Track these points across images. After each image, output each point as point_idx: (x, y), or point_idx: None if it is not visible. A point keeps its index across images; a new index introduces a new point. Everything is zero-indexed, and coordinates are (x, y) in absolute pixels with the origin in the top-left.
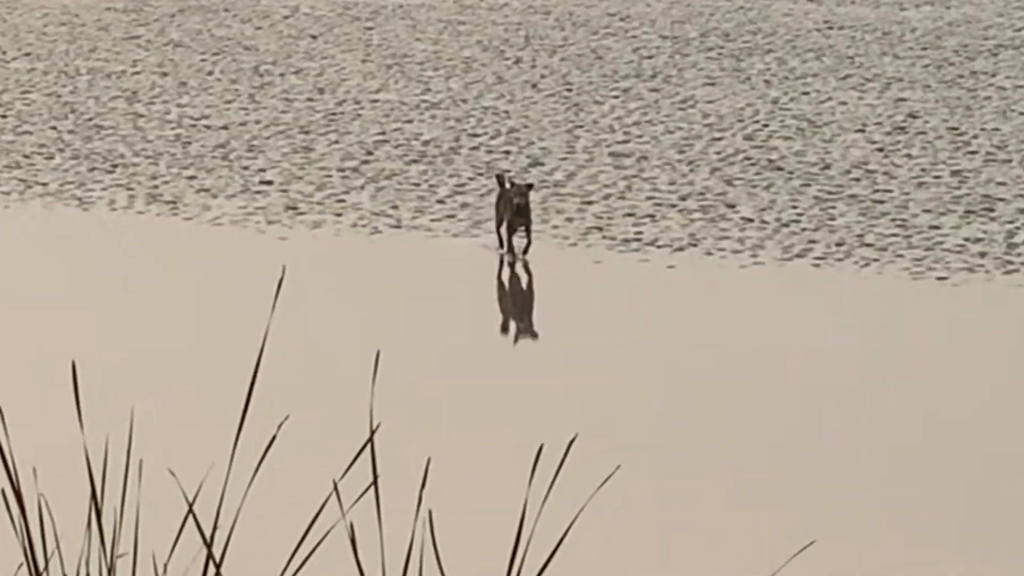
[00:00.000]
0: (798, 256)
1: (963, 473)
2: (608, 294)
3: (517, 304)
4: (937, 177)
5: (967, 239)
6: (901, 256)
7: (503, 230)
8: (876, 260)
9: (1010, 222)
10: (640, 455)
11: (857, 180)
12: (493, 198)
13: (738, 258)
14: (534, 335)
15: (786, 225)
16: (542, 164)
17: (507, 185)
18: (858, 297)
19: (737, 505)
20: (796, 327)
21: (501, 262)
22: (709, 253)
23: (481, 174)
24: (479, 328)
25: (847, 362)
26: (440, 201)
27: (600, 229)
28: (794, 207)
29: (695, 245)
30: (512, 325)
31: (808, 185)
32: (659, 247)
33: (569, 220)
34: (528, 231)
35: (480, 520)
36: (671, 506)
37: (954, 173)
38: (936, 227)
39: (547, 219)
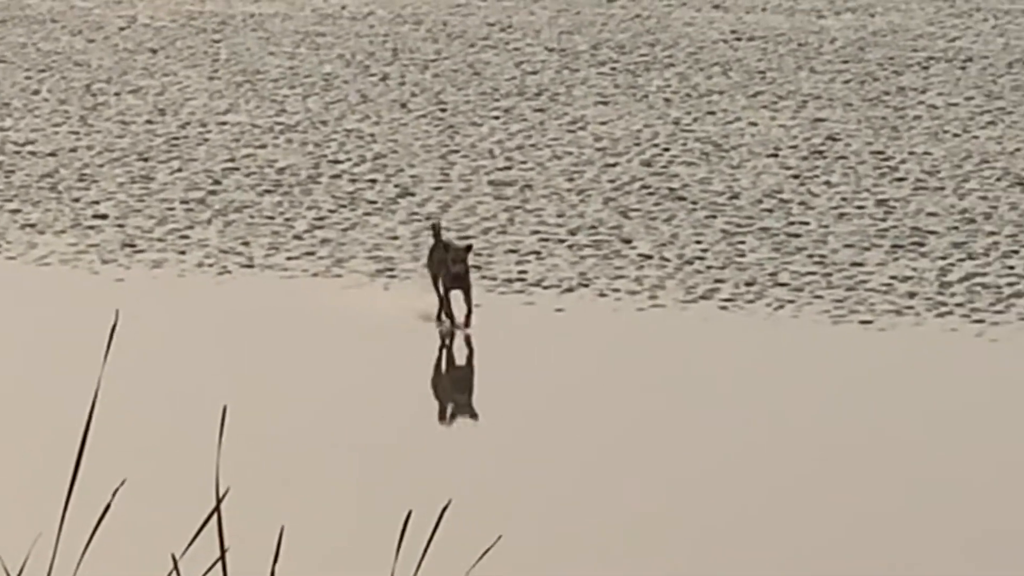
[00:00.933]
0: (703, 298)
1: (891, 536)
2: (486, 341)
3: (386, 354)
4: (860, 207)
5: (894, 277)
6: (820, 297)
7: (441, 290)
8: (792, 302)
9: (942, 258)
10: (524, 523)
11: (770, 211)
12: (423, 250)
13: (635, 300)
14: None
15: (689, 262)
16: (412, 194)
17: (442, 239)
18: (771, 343)
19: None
20: (700, 377)
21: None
22: (602, 294)
23: (344, 206)
24: (340, 380)
25: (757, 415)
26: (297, 237)
27: (479, 268)
28: (698, 242)
29: (586, 285)
30: (379, 376)
31: (714, 217)
32: (546, 288)
33: None
34: (468, 299)
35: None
36: None
37: (879, 203)
38: (859, 264)
39: (418, 256)
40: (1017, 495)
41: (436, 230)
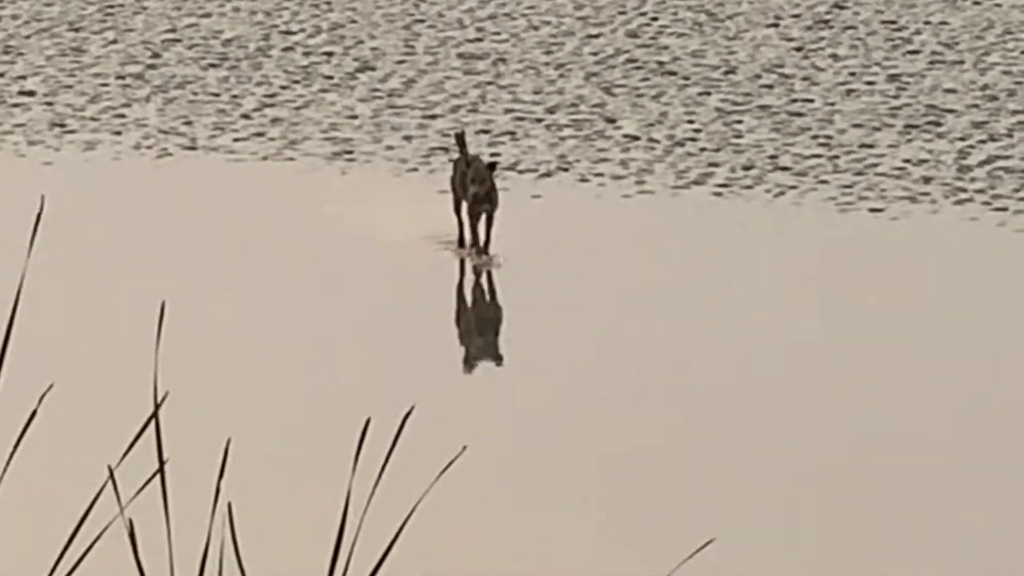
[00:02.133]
0: (695, 183)
1: (890, 444)
2: (455, 231)
3: (341, 247)
4: (870, 83)
5: (908, 160)
6: (825, 183)
7: (463, 215)
8: (794, 187)
9: (961, 139)
10: (490, 434)
11: (769, 87)
12: (385, 131)
13: (620, 185)
14: (371, 263)
15: (680, 144)
16: (373, 69)
17: (467, 151)
18: (772, 233)
19: (607, 493)
20: (694, 271)
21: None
22: (584, 179)
23: (297, 81)
24: (295, 276)
25: (757, 313)
26: (246, 116)
27: (446, 150)
28: (690, 122)
29: (566, 169)
30: (330, 255)
31: (708, 94)
32: (521, 172)
33: (408, 139)
34: (490, 218)
35: (294, 513)
36: (525, 494)
37: (891, 78)
38: (869, 146)
39: (380, 137)
40: None
41: (460, 140)
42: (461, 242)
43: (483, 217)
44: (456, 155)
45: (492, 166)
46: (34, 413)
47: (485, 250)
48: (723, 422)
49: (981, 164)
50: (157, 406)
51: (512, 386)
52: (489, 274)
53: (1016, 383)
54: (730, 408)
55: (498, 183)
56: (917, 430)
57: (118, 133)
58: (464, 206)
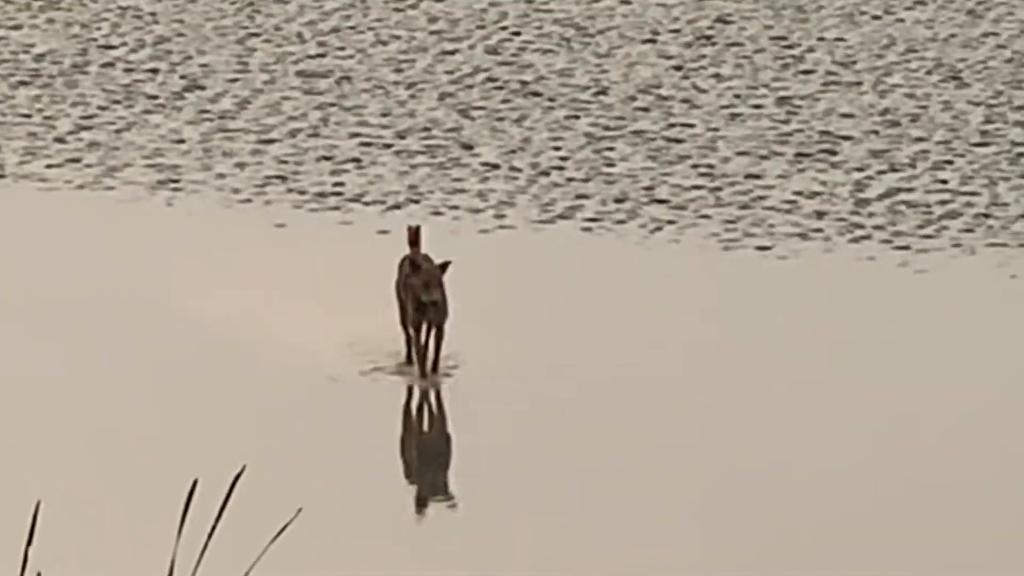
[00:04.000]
0: (562, 217)
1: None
2: (293, 269)
3: (165, 276)
4: (757, 107)
5: (799, 193)
6: (707, 217)
7: (409, 328)
8: (672, 222)
9: (859, 169)
10: (326, 496)
11: (645, 111)
12: (215, 157)
13: (478, 219)
14: (196, 317)
15: (546, 174)
16: (202, 88)
17: (417, 253)
18: (646, 273)
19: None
20: (558, 313)
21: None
22: (437, 212)
23: (117, 102)
24: (109, 320)
25: (629, 360)
26: (60, 140)
27: (284, 179)
28: (556, 148)
29: (417, 201)
30: (159, 301)
31: (576, 117)
32: (367, 204)
33: (240, 166)
34: (440, 331)
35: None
36: (353, 553)
37: (781, 101)
38: (755, 176)
39: (209, 164)
40: (949, 445)
41: (414, 237)
42: (409, 358)
43: (427, 328)
44: (403, 254)
45: (444, 266)
46: None
47: (433, 369)
48: (604, 465)
49: (880, 197)
50: None
51: (341, 439)
52: (428, 393)
53: (915, 441)
54: (607, 451)
55: (339, 216)
56: (801, 467)
57: None
58: (408, 319)
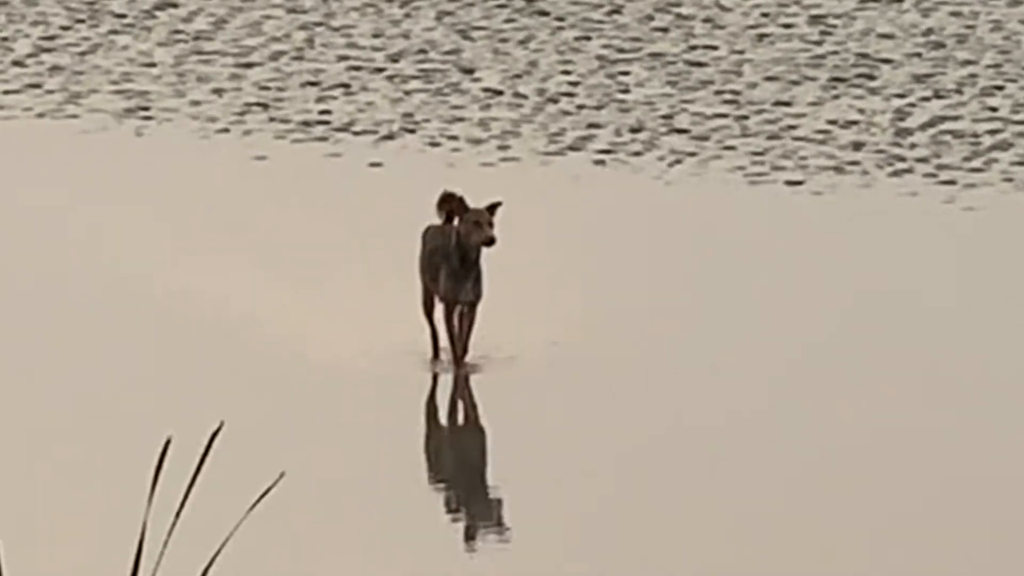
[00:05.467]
0: (572, 149)
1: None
2: (275, 206)
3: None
4: (787, 27)
5: (833, 122)
6: (732, 148)
7: (439, 305)
8: (693, 154)
9: (899, 95)
10: (303, 457)
11: (663, 31)
12: (189, 82)
13: (479, 151)
14: (168, 260)
15: (554, 100)
16: (175, 5)
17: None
18: (665, 209)
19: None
20: (568, 254)
21: None
22: (434, 143)
23: (81, 21)
24: (87, 248)
25: (647, 305)
26: (18, 63)
27: (265, 106)
28: (566, 73)
29: (412, 131)
30: (128, 242)
31: (587, 38)
32: (357, 134)
33: (217, 92)
34: (473, 312)
35: (79, 542)
36: (339, 513)
37: (813, 20)
38: (785, 104)
39: (183, 91)
40: (991, 393)
41: (460, 205)
42: (436, 353)
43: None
44: (430, 223)
45: (493, 207)
46: None
47: (462, 358)
48: (608, 409)
49: (924, 127)
50: None
51: (323, 404)
52: (460, 380)
53: (958, 400)
54: (618, 396)
55: (327, 148)
56: (845, 423)
57: None
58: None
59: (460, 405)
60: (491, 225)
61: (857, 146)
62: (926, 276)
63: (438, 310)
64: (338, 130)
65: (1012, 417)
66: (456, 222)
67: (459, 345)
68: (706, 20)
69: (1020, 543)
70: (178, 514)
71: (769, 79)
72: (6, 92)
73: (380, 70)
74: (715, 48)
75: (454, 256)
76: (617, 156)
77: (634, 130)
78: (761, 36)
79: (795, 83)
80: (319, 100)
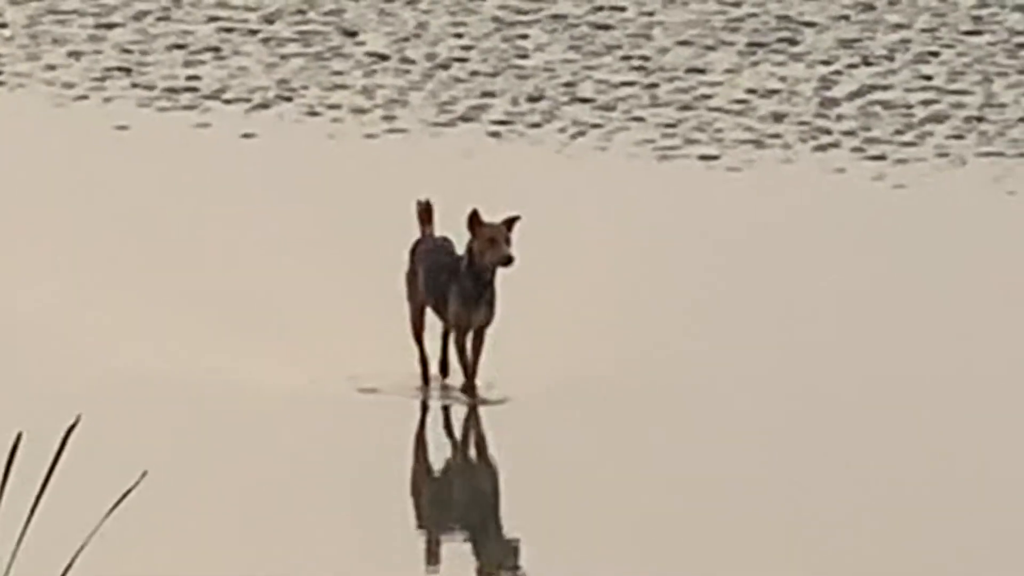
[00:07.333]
0: (464, 119)
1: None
2: (137, 180)
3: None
4: None
5: (752, 91)
6: (640, 120)
7: (450, 337)
8: (597, 126)
9: (824, 62)
10: (166, 459)
11: None
12: (44, 45)
13: (363, 121)
14: (21, 236)
15: (444, 67)
16: None
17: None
18: (567, 185)
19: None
20: (459, 234)
21: None
22: (313, 112)
23: None
24: None
25: (544, 287)
26: None
27: (127, 71)
28: (458, 36)
29: (288, 99)
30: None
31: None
32: (228, 102)
33: (75, 56)
34: (481, 335)
35: None
36: (202, 517)
37: None
38: (699, 70)
39: (37, 54)
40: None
41: (426, 212)
42: (426, 378)
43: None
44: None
45: (511, 221)
46: None
47: (470, 384)
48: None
49: (851, 97)
50: None
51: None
52: (473, 412)
53: (890, 388)
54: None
55: (195, 117)
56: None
57: None
58: (418, 318)
59: (466, 435)
60: (508, 242)
61: (778, 117)
62: (853, 259)
63: (429, 330)
64: (207, 98)
65: (944, 401)
66: (469, 238)
67: (471, 372)
68: None
69: (1018, 541)
70: (30, 515)
71: (681, 44)
72: None
73: (254, 32)
74: (622, 9)
75: (465, 277)
76: (514, 127)
77: (533, 99)
78: None
79: (710, 48)
80: (187, 65)
